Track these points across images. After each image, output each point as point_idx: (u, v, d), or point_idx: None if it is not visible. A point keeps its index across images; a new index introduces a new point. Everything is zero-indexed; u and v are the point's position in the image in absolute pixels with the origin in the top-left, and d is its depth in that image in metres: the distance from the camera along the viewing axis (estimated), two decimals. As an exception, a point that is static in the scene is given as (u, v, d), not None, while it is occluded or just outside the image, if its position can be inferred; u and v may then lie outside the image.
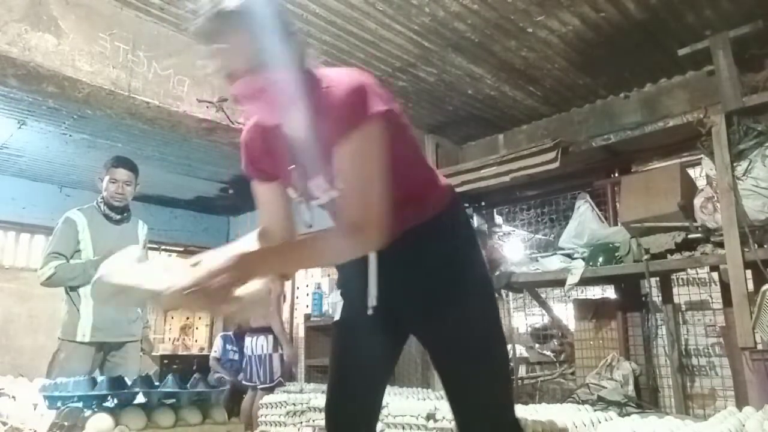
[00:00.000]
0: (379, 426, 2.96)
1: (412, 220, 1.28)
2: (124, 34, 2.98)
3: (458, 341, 1.27)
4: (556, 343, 5.20)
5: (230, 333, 5.90)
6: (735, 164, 2.92)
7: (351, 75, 1.20)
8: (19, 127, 4.42)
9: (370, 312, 1.30)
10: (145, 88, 3.02)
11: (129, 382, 2.00)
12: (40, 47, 2.68)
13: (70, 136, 4.60)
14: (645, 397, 3.45)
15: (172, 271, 1.19)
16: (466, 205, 4.55)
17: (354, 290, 1.37)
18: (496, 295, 1.43)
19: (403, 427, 2.58)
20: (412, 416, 2.57)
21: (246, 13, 1.16)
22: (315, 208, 1.39)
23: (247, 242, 1.44)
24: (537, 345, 5.34)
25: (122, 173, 3.09)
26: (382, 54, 3.39)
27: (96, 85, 2.87)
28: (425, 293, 1.29)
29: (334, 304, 6.25)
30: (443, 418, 2.46)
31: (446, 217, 1.33)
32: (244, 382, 4.89)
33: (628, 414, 2.73)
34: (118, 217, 3.12)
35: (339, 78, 1.20)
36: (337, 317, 1.47)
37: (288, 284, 7.22)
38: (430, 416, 2.53)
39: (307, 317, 6.05)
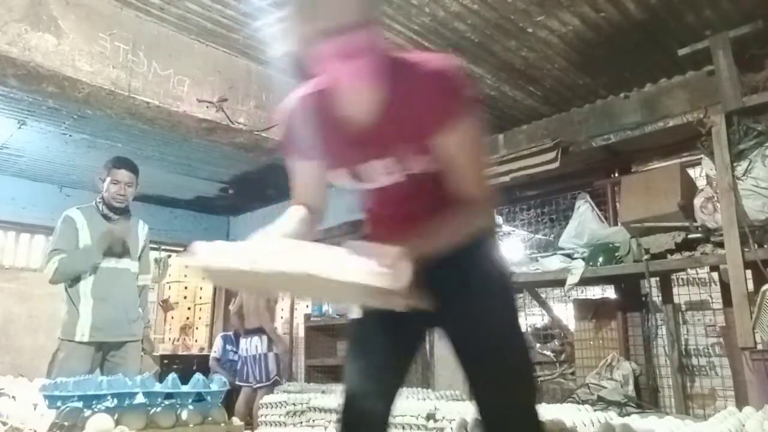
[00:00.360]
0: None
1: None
2: (124, 34, 2.98)
3: (488, 337, 1.26)
4: (556, 343, 5.20)
5: (230, 333, 5.91)
6: (735, 164, 2.92)
7: (445, 57, 1.20)
8: (19, 127, 4.42)
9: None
10: (145, 88, 3.02)
11: (129, 382, 2.00)
12: (40, 47, 2.68)
13: (70, 136, 4.60)
14: (645, 397, 3.45)
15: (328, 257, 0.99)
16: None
17: None
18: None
19: (403, 427, 2.58)
20: (412, 416, 2.57)
21: None
22: (356, 190, 1.36)
23: (288, 224, 1.35)
24: (537, 345, 5.34)
25: (124, 174, 3.09)
26: (382, 54, 3.39)
27: (96, 85, 2.87)
28: (464, 290, 1.27)
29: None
30: (443, 418, 2.46)
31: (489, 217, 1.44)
32: (237, 382, 4.93)
33: (628, 414, 2.72)
34: (117, 217, 3.12)
35: (430, 58, 1.19)
36: (355, 315, 1.41)
37: (288, 284, 7.21)
38: (430, 416, 2.53)
39: (307, 317, 6.05)
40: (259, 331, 4.96)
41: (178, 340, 7.98)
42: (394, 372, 1.37)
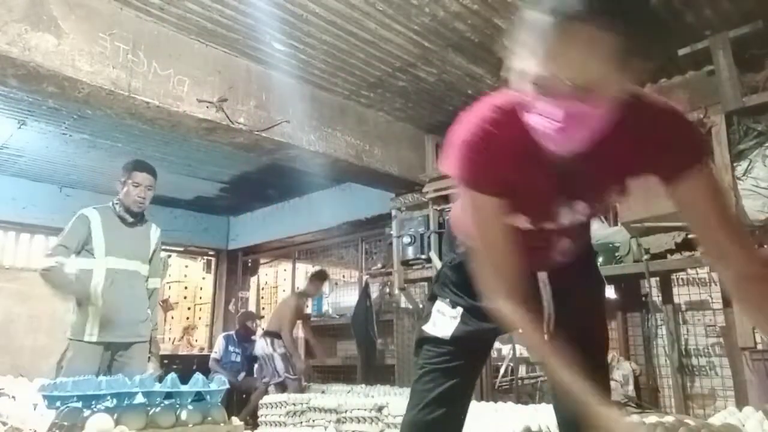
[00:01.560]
0: (379, 426, 2.96)
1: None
2: (124, 34, 2.98)
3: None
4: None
5: (233, 333, 5.92)
6: (735, 164, 2.92)
7: (673, 103, 1.10)
8: (19, 127, 4.43)
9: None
10: (145, 88, 3.02)
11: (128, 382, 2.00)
12: (40, 47, 2.68)
13: (70, 136, 4.60)
14: (645, 397, 3.46)
15: None
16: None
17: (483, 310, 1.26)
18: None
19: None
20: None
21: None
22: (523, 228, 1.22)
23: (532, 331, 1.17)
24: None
25: (145, 177, 3.08)
26: (382, 54, 3.39)
27: (96, 85, 2.86)
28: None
29: (334, 305, 6.28)
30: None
31: None
32: (260, 380, 5.20)
33: (628, 414, 2.72)
34: (132, 220, 3.12)
35: (663, 102, 1.07)
36: (447, 334, 1.38)
37: (288, 283, 7.22)
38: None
39: (307, 317, 6.05)
40: (271, 334, 5.13)
41: (181, 339, 8.00)
42: (472, 388, 1.47)
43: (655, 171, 1.08)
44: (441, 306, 1.43)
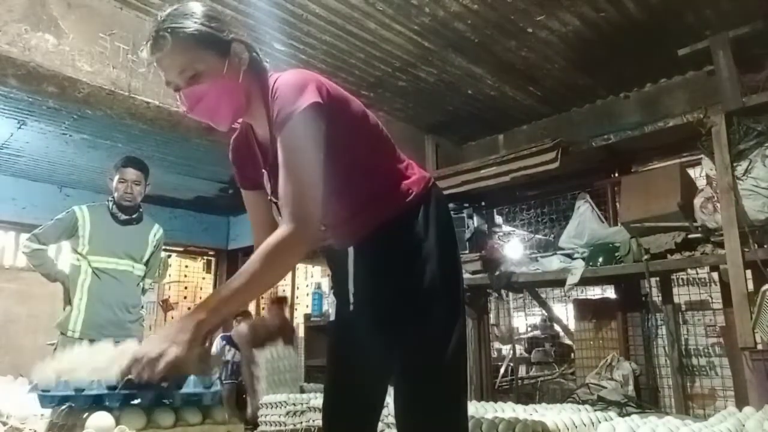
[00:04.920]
0: (380, 426, 2.96)
1: (375, 218, 1.27)
2: (124, 34, 2.98)
3: (416, 356, 1.22)
4: (547, 345, 5.22)
5: (230, 334, 5.92)
6: (735, 164, 2.92)
7: (292, 73, 1.22)
8: (19, 127, 4.42)
9: (350, 309, 1.32)
10: (145, 88, 3.02)
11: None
12: (40, 47, 2.68)
13: (70, 136, 4.60)
14: (645, 397, 3.45)
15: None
16: (466, 205, 4.55)
17: (341, 290, 1.37)
18: (463, 303, 1.34)
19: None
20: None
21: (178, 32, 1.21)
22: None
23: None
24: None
25: (131, 173, 3.10)
26: (382, 54, 3.39)
27: (96, 85, 2.86)
28: (387, 298, 1.26)
29: (332, 304, 6.29)
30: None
31: (413, 216, 1.28)
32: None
33: (628, 414, 2.73)
34: (125, 217, 3.12)
35: (283, 77, 1.21)
36: (332, 318, 1.46)
37: (288, 284, 7.22)
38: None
39: (307, 317, 6.06)
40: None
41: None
42: (370, 370, 1.38)
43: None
44: None
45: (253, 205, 1.48)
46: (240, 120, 1.41)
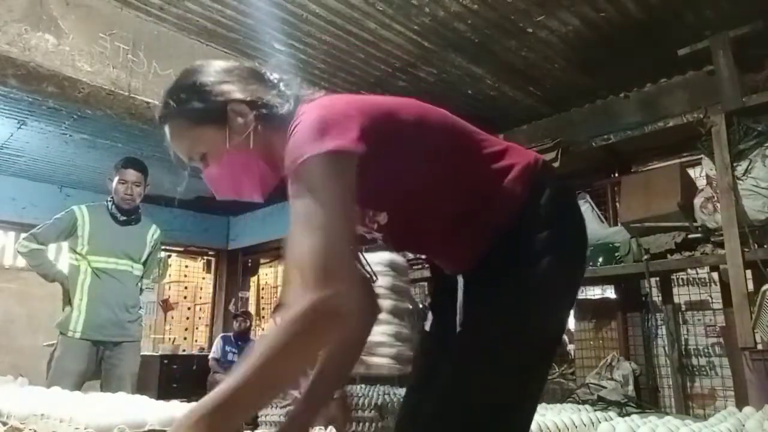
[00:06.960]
0: (380, 426, 2.96)
1: (471, 247, 1.05)
2: (124, 34, 2.98)
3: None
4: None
5: (230, 334, 5.92)
6: (735, 164, 2.92)
7: (320, 107, 0.98)
8: (19, 127, 4.42)
9: (454, 329, 1.11)
10: (145, 88, 3.02)
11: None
12: (40, 47, 2.68)
13: (70, 136, 4.60)
14: (645, 397, 3.45)
15: None
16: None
17: (442, 311, 1.21)
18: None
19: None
20: None
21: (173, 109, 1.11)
22: None
23: None
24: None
25: (131, 174, 3.10)
26: (382, 54, 3.39)
27: (96, 85, 2.87)
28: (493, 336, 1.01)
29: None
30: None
31: (521, 228, 1.03)
32: None
33: (628, 414, 2.73)
34: (124, 218, 3.13)
35: (308, 113, 0.96)
36: (426, 328, 1.31)
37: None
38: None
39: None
40: None
41: (185, 338, 8.03)
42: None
43: None
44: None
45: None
46: None
